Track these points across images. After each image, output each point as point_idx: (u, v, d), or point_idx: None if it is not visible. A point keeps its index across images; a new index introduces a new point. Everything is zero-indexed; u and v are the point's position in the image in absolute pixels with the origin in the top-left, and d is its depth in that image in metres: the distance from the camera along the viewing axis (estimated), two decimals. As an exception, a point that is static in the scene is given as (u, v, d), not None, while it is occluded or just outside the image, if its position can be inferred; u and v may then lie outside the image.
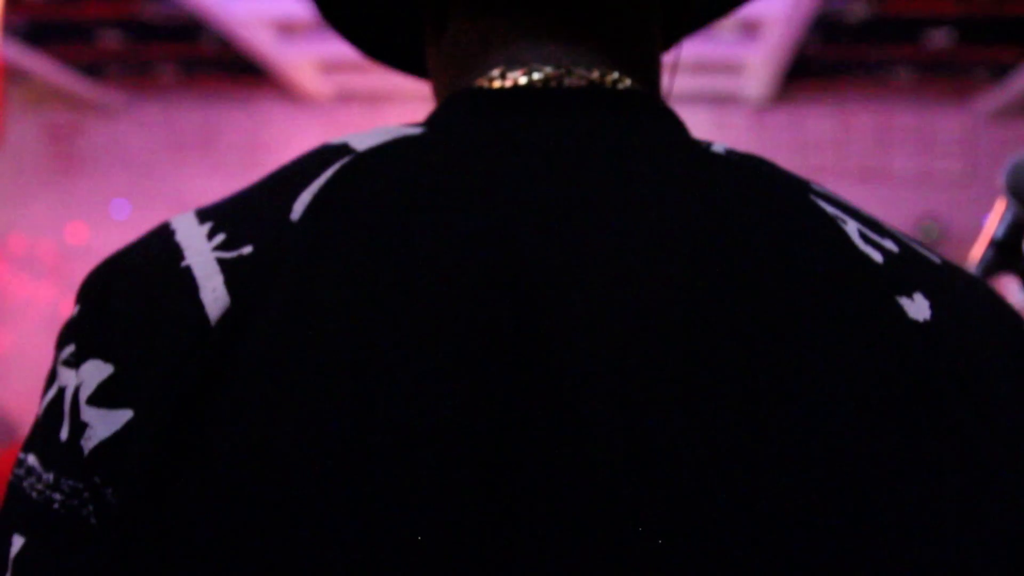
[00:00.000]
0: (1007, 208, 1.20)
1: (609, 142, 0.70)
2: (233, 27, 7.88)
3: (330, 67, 10.25)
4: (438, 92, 0.84)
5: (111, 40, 8.97)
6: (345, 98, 10.81)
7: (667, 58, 0.87)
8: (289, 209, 0.65)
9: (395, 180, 0.67)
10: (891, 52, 9.15)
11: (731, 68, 8.56)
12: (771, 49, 7.77)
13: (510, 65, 0.75)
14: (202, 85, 10.78)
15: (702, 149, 0.74)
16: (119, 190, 10.56)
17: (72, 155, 10.90)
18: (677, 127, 0.76)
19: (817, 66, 9.38)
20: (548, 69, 0.74)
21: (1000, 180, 1.16)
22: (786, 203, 0.69)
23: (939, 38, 8.52)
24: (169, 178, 10.85)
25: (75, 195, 10.36)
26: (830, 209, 0.70)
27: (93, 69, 10.29)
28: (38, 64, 9.26)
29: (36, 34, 8.68)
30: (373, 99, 10.94)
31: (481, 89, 0.75)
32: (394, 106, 10.63)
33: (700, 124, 8.20)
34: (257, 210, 0.68)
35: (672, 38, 0.87)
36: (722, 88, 9.22)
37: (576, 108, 0.73)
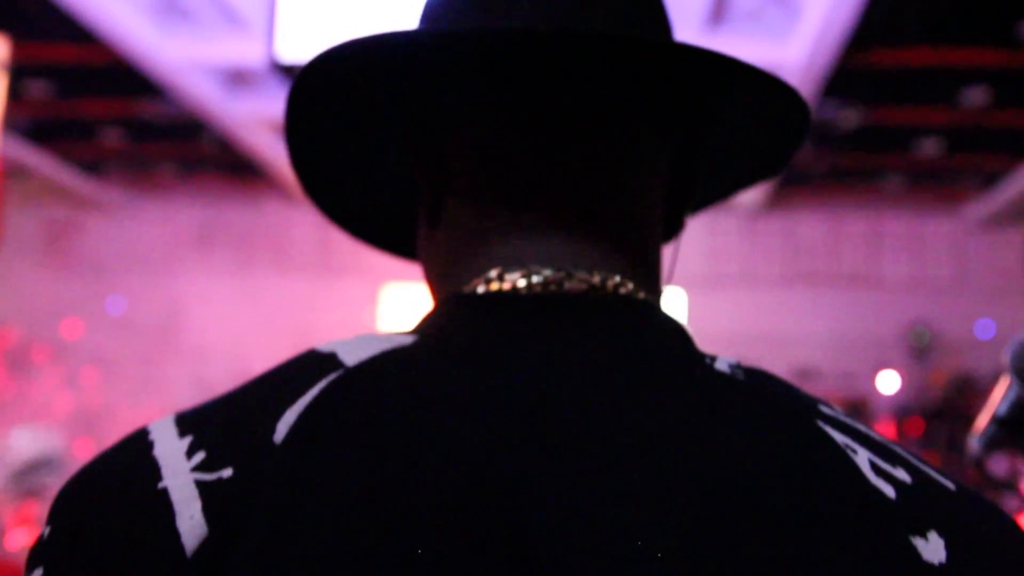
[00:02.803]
0: (1011, 386, 1.20)
1: (609, 357, 0.68)
2: (232, 127, 7.99)
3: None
4: (429, 277, 0.81)
5: (112, 138, 9.08)
6: (341, 198, 10.84)
7: (667, 247, 0.84)
8: (272, 429, 0.61)
9: (385, 401, 0.63)
10: (882, 160, 9.28)
11: (724, 173, 8.61)
12: (763, 155, 7.83)
13: (508, 265, 0.72)
14: (200, 184, 10.88)
15: (706, 366, 0.70)
16: (115, 287, 10.60)
17: (69, 251, 10.96)
18: (680, 339, 0.72)
19: (809, 173, 9.51)
20: (548, 272, 0.71)
21: (1004, 359, 1.17)
22: (793, 433, 0.66)
23: (929, 147, 8.66)
24: (165, 276, 10.89)
25: (71, 291, 10.39)
26: (839, 437, 0.66)
27: (93, 167, 10.40)
28: (39, 161, 9.36)
29: (38, 131, 8.79)
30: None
31: (476, 296, 0.72)
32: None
33: (693, 231, 8.25)
34: (239, 426, 0.64)
35: (673, 228, 0.84)
36: (715, 193, 9.25)
37: (576, 318, 0.70)
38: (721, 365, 0.70)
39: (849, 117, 7.72)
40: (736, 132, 0.83)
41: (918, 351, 10.42)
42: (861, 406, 10.49)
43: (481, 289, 0.72)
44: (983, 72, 6.85)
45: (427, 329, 0.71)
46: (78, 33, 6.21)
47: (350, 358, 0.67)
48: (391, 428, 0.61)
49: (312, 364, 0.67)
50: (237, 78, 7.41)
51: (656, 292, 0.78)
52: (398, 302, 10.61)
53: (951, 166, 9.39)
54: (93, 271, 10.67)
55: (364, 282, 10.09)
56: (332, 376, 0.65)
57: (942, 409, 9.93)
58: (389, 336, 0.70)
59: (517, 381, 0.65)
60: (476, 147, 0.76)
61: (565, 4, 0.75)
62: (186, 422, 0.66)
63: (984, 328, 10.42)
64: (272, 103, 7.55)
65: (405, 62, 0.74)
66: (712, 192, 0.93)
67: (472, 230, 0.75)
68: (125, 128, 8.81)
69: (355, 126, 0.83)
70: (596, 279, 0.72)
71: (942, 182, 9.98)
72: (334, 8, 4.82)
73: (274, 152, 8.86)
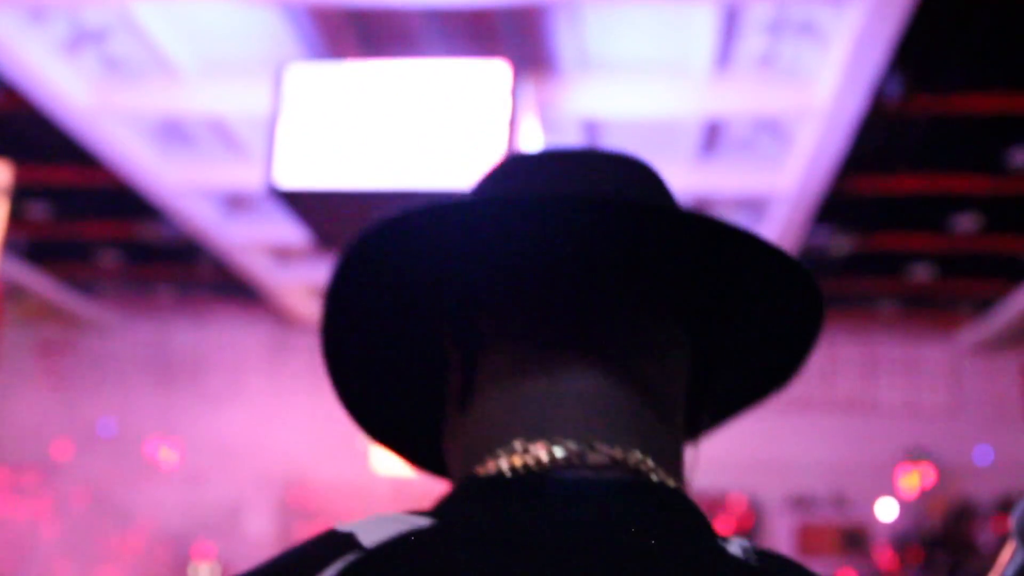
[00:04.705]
0: (1016, 551, 1.19)
1: (627, 539, 0.67)
2: (230, 251, 8.04)
3: (321, 292, 10.32)
4: (453, 461, 0.82)
5: (109, 260, 9.13)
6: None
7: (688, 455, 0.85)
8: None
9: None
10: (875, 286, 9.34)
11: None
12: (757, 280, 7.86)
13: (531, 435, 0.73)
14: (194, 306, 10.91)
15: (721, 552, 0.69)
16: (107, 408, 10.54)
17: (62, 372, 10.92)
18: (699, 524, 0.72)
19: (803, 298, 9.52)
20: (571, 444, 0.72)
21: (1010, 523, 1.16)
22: None
23: (921, 272, 8.72)
24: (157, 399, 10.85)
25: (63, 411, 10.32)
26: None
27: (89, 287, 10.43)
28: (36, 281, 9.39)
29: (36, 252, 8.84)
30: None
31: (493, 479, 0.72)
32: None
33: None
34: None
35: (693, 429, 0.85)
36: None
37: (595, 498, 0.70)
38: (735, 549, 0.69)
39: (841, 244, 7.78)
40: (750, 330, 0.85)
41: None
42: (859, 533, 10.37)
43: (505, 465, 0.72)
44: (973, 198, 6.94)
45: (445, 512, 0.71)
46: (79, 156, 6.29)
47: (368, 538, 0.67)
48: None
49: (330, 543, 0.67)
50: (235, 202, 7.48)
51: (675, 475, 0.77)
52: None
53: (944, 291, 9.44)
54: (86, 391, 10.61)
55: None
56: (350, 557, 0.65)
57: (942, 537, 9.81)
58: (408, 517, 0.69)
59: (531, 570, 0.65)
60: (505, 324, 0.78)
61: (598, 181, 0.80)
62: None
63: (982, 454, 10.35)
64: (269, 227, 7.60)
65: (443, 229, 0.76)
66: (730, 403, 0.94)
67: (502, 406, 0.76)
68: (122, 249, 8.86)
69: (391, 309, 0.84)
70: (618, 453, 0.72)
71: (936, 307, 10.03)
72: (331, 136, 4.89)
73: (269, 275, 8.90)
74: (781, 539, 10.39)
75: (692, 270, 0.78)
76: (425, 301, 0.83)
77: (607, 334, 0.76)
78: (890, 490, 10.38)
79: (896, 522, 10.30)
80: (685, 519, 0.72)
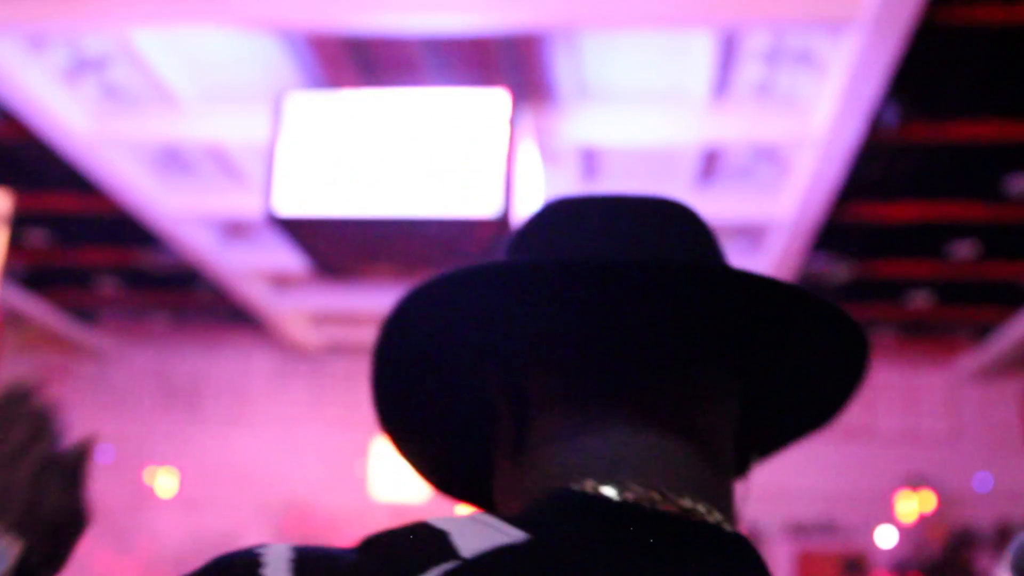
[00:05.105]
0: None
1: None
2: (228, 278, 8.04)
3: (320, 319, 10.42)
4: (506, 500, 0.82)
5: (108, 286, 9.13)
6: (333, 350, 10.96)
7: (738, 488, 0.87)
8: None
9: None
10: (874, 313, 9.33)
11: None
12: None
13: (600, 479, 0.74)
14: (193, 333, 10.90)
15: None
16: (105, 435, 10.48)
17: (60, 398, 10.87)
18: (762, 571, 0.74)
19: (801, 324, 9.51)
20: (639, 489, 0.73)
21: (1008, 559, 1.16)
22: None
23: (920, 299, 8.72)
24: (156, 424, 10.83)
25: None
26: None
27: (87, 314, 10.43)
28: (34, 308, 9.38)
29: (35, 279, 8.83)
30: (361, 352, 11.02)
31: (583, 495, 0.73)
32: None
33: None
34: None
35: (742, 467, 0.88)
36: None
37: (674, 540, 0.71)
38: None
39: (840, 270, 7.79)
40: (797, 371, 0.86)
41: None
42: (859, 561, 10.33)
43: (611, 492, 0.72)
44: (971, 225, 6.95)
45: (537, 524, 0.70)
46: (79, 183, 6.30)
47: (465, 546, 0.67)
48: None
49: (426, 542, 0.67)
50: (234, 229, 7.49)
51: (732, 519, 0.79)
52: (390, 455, 10.50)
53: (943, 318, 9.44)
54: (84, 418, 10.59)
55: (355, 434, 10.01)
56: (447, 566, 0.65)
57: (942, 564, 9.77)
58: (501, 526, 0.69)
59: None
60: (557, 383, 0.79)
61: (645, 236, 0.81)
62: (303, 569, 0.65)
63: (982, 481, 10.32)
64: (268, 255, 7.61)
65: (494, 289, 0.78)
66: (776, 439, 0.96)
67: (556, 459, 0.77)
68: (121, 276, 8.86)
69: (440, 361, 0.85)
70: (687, 503, 0.73)
71: (934, 334, 10.03)
72: (330, 164, 4.90)
73: (269, 303, 8.90)
74: (781, 566, 10.34)
75: (742, 324, 0.79)
76: (472, 355, 0.83)
77: (660, 390, 0.77)
78: (889, 517, 10.34)
79: (896, 549, 10.26)
80: (754, 568, 0.74)
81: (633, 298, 0.76)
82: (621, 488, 0.73)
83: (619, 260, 0.77)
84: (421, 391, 0.88)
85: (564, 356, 0.79)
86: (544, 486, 0.75)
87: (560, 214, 0.85)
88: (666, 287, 0.75)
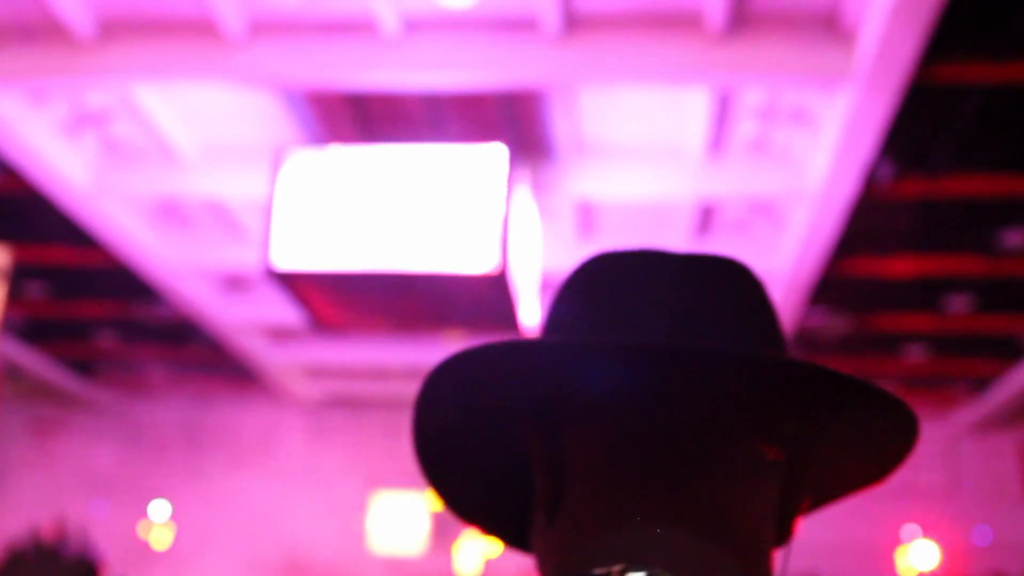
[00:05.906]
0: None
1: None
2: (225, 331, 8.04)
3: (317, 372, 10.40)
4: (543, 559, 0.82)
5: (105, 339, 9.12)
6: (330, 402, 10.95)
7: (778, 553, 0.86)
8: None
9: None
10: (870, 366, 9.31)
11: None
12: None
13: (632, 564, 0.73)
14: (189, 386, 10.86)
15: None
16: (99, 487, 10.46)
17: (56, 451, 10.86)
18: None
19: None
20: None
21: None
22: None
23: (916, 353, 8.72)
24: (150, 478, 10.77)
25: (56, 490, 10.23)
26: None
27: (84, 367, 10.40)
28: (31, 360, 9.36)
29: (33, 331, 8.83)
30: (357, 404, 11.05)
31: None
32: (378, 411, 10.71)
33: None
34: None
35: (783, 535, 0.86)
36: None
37: None
38: None
39: (836, 324, 7.79)
40: (843, 446, 0.85)
41: None
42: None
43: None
44: (966, 280, 6.97)
45: None
46: (78, 237, 6.32)
47: None
48: None
49: None
50: (232, 283, 7.50)
51: None
52: (388, 508, 10.45)
53: (939, 372, 9.44)
54: (79, 470, 10.54)
55: (354, 487, 9.97)
56: None
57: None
58: None
59: None
60: (593, 456, 0.78)
61: (695, 320, 0.79)
62: None
63: (981, 534, 10.27)
64: (265, 308, 7.61)
65: (537, 368, 0.78)
66: (819, 498, 0.95)
67: (590, 524, 0.77)
68: (118, 329, 8.86)
69: (481, 425, 0.85)
70: None
71: (932, 387, 10.01)
72: (328, 219, 4.92)
73: (265, 356, 8.89)
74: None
75: (787, 407, 0.78)
76: (515, 419, 0.83)
77: (699, 478, 0.76)
78: (889, 570, 10.27)
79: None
80: None
81: (686, 382, 0.75)
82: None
83: (677, 347, 0.76)
84: (464, 448, 0.87)
85: (598, 432, 0.78)
86: (579, 555, 0.76)
87: (605, 277, 0.83)
88: (722, 374, 0.75)
